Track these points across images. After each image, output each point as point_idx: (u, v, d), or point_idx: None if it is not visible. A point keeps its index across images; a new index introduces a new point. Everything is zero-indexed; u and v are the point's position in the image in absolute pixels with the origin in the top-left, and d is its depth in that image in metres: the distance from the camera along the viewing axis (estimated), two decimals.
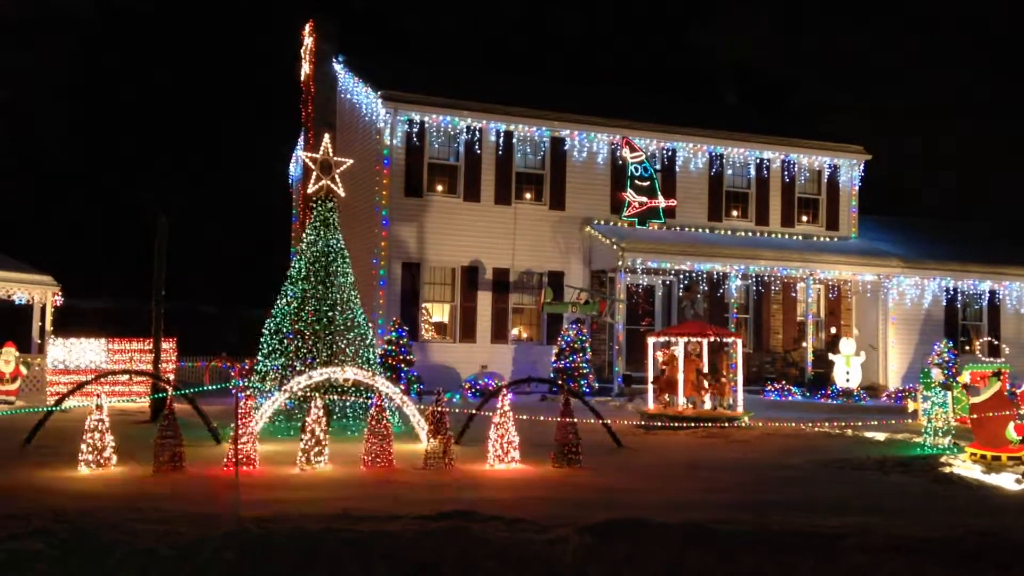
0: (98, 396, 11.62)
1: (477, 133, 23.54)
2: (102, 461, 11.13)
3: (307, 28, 24.73)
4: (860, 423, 16.64)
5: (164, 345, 18.50)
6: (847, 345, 23.49)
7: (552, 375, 21.39)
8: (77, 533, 7.24)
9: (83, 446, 11.11)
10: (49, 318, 22.17)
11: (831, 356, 23.74)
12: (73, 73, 42.29)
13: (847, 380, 22.97)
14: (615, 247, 22.77)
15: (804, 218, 27.06)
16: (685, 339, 17.45)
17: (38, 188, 36.71)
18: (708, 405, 17.43)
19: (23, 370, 20.28)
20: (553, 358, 22.06)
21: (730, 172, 26.20)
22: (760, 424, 16.57)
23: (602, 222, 24.37)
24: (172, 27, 40.02)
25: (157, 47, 39.43)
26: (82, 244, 35.87)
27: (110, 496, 9.54)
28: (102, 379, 15.57)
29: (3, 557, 6.53)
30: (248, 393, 12.45)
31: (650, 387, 17.62)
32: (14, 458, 12.00)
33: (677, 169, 25.48)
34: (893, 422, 17.05)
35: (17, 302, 22.08)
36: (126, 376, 19.01)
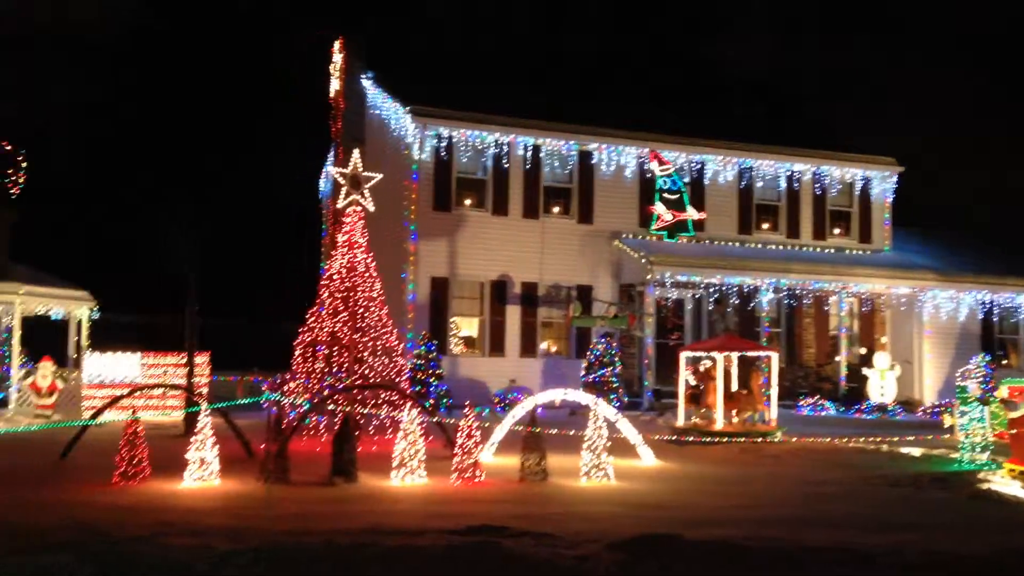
0: (133, 410, 11.75)
1: (505, 147, 23.59)
2: (137, 474, 11.23)
3: (336, 45, 24.98)
4: (895, 438, 16.41)
5: (197, 359, 18.68)
6: (881, 359, 23.19)
7: (581, 389, 21.30)
8: (110, 547, 7.31)
9: (118, 460, 11.23)
10: (85, 333, 22.45)
11: (865, 370, 23.43)
12: (102, 90, 43.05)
13: (882, 395, 22.66)
14: (644, 261, 22.69)
15: (836, 231, 26.81)
16: (718, 353, 17.30)
17: (73, 204, 37.29)
18: (737, 420, 17.26)
19: (59, 384, 20.56)
20: (582, 372, 21.97)
21: (760, 185, 26.04)
22: (793, 439, 16.39)
23: (630, 236, 24.30)
24: (196, 43, 40.62)
25: (182, 63, 40.03)
26: (118, 259, 36.34)
27: (143, 509, 9.62)
28: (137, 393, 15.74)
29: (36, 571, 6.60)
30: (279, 407, 12.52)
31: (681, 401, 17.49)
32: (50, 471, 12.15)
33: (706, 182, 25.36)
34: (929, 437, 16.79)
35: (54, 317, 22.39)
36: (160, 390, 19.20)
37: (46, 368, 20.26)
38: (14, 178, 20.72)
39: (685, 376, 17.59)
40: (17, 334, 20.75)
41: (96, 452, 12.95)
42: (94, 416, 14.33)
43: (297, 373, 15.85)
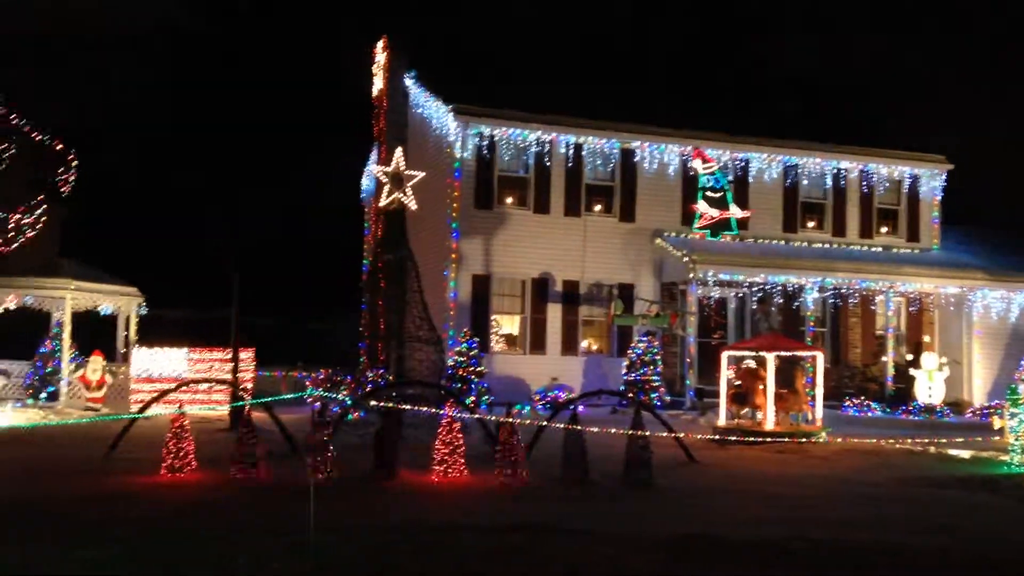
0: (179, 404, 11.95)
1: (547, 145, 23.58)
2: (183, 468, 11.42)
3: (379, 44, 25.13)
4: (943, 440, 16.13)
5: (243, 355, 18.92)
6: (929, 360, 22.78)
7: (623, 388, 21.24)
8: (157, 539, 7.45)
9: (165, 453, 11.43)
10: (133, 328, 22.88)
11: (912, 371, 23.03)
12: (152, 90, 43.73)
13: (929, 396, 22.26)
14: (686, 259, 22.54)
15: (883, 229, 26.40)
16: (761, 353, 17.13)
17: (122, 200, 37.97)
18: (773, 420, 17.08)
19: (109, 378, 20.98)
20: (624, 371, 21.90)
21: (805, 183, 25.72)
22: (838, 440, 16.19)
23: (673, 234, 24.15)
24: (243, 43, 41.13)
25: (227, 63, 40.55)
26: (167, 255, 36.97)
27: (190, 502, 9.79)
28: (183, 387, 15.98)
29: (84, 564, 6.74)
30: (323, 402, 12.65)
31: (723, 401, 17.33)
32: (99, 464, 12.40)
33: (750, 180, 25.12)
34: (978, 439, 16.48)
35: (103, 312, 22.84)
36: (206, 385, 19.50)
37: (96, 362, 20.68)
38: (65, 176, 21.16)
39: (728, 375, 17.42)
40: (67, 329, 21.20)
41: (144, 445, 13.19)
42: (142, 410, 14.60)
43: (340, 369, 16.01)
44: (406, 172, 16.53)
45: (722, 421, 17.20)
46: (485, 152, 23.16)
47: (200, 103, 41.23)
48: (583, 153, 23.86)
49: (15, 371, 21.46)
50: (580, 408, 12.42)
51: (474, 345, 21.10)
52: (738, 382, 17.28)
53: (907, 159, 26.42)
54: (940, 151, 26.83)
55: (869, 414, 21.67)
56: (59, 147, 20.54)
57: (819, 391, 17.32)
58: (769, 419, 16.62)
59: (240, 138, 39.44)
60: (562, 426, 12.12)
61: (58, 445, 14.39)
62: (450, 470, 11.60)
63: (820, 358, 17.54)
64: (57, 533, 7.89)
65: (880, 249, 25.87)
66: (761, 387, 16.85)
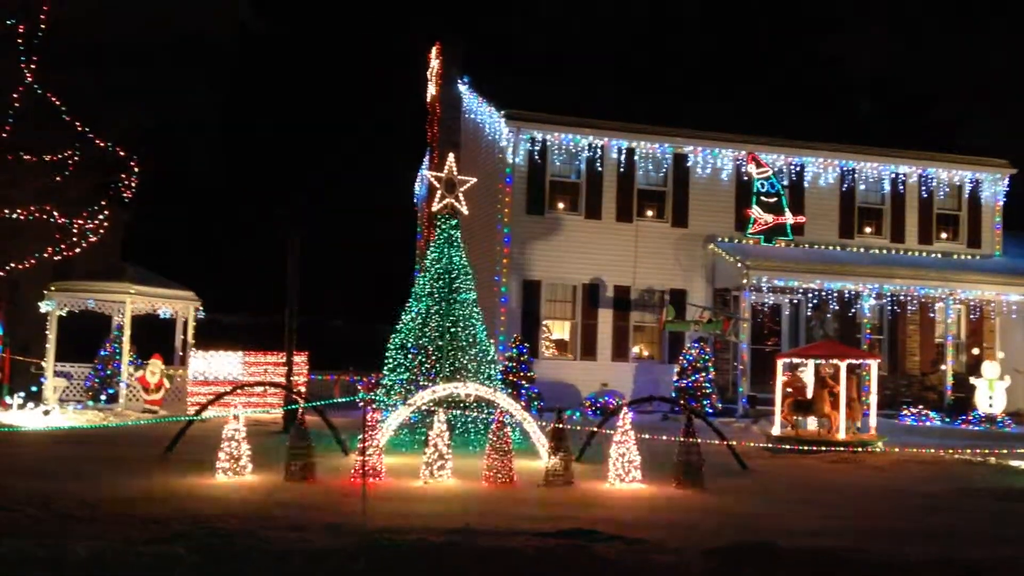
0: (235, 407, 12.15)
1: (599, 150, 23.53)
2: (238, 469, 11.61)
3: (433, 51, 25.33)
4: (1004, 451, 15.72)
5: (296, 359, 19.19)
6: (990, 368, 22.24)
7: (674, 394, 21.08)
8: (215, 538, 7.58)
9: (220, 454, 11.63)
10: (191, 332, 23.32)
11: (972, 380, 22.51)
12: (205, 95, 44.51)
13: (990, 405, 21.74)
14: (739, 265, 22.30)
15: (943, 235, 25.84)
16: (816, 360, 16.87)
17: (181, 206, 38.75)
18: (826, 427, 16.81)
19: (166, 382, 21.41)
20: (675, 377, 21.75)
21: (863, 187, 25.30)
22: (895, 449, 15.87)
23: (726, 239, 23.92)
24: (296, 50, 41.67)
25: (290, 70, 41.12)
26: (223, 260, 37.62)
27: (245, 503, 9.95)
28: (239, 391, 16.26)
29: (148, 560, 6.89)
30: (374, 407, 12.77)
31: (778, 408, 17.09)
32: (157, 465, 12.66)
33: (806, 185, 24.78)
34: None
35: (162, 316, 23.33)
36: (261, 388, 19.79)
37: (155, 365, 21.13)
38: (127, 182, 21.67)
39: (789, 382, 17.10)
40: (127, 332, 21.69)
41: (200, 447, 13.43)
42: (198, 412, 14.88)
43: (390, 373, 16.12)
44: (458, 177, 16.61)
45: (776, 430, 16.97)
46: (537, 157, 23.19)
47: (255, 108, 41.92)
48: (635, 158, 23.76)
49: (76, 373, 22.02)
50: (631, 414, 12.34)
51: (524, 350, 21.14)
52: (790, 389, 16.97)
53: (969, 163, 25.85)
54: (1004, 155, 26.20)
55: (927, 423, 21.22)
56: (122, 152, 21.05)
57: (873, 399, 17.01)
58: (842, 428, 16.29)
59: (299, 143, 40.02)
60: (612, 432, 12.06)
61: (117, 446, 14.72)
62: (500, 475, 11.64)
63: (875, 365, 17.21)
64: (122, 528, 8.09)
65: (939, 255, 25.33)
66: (829, 396, 16.58)
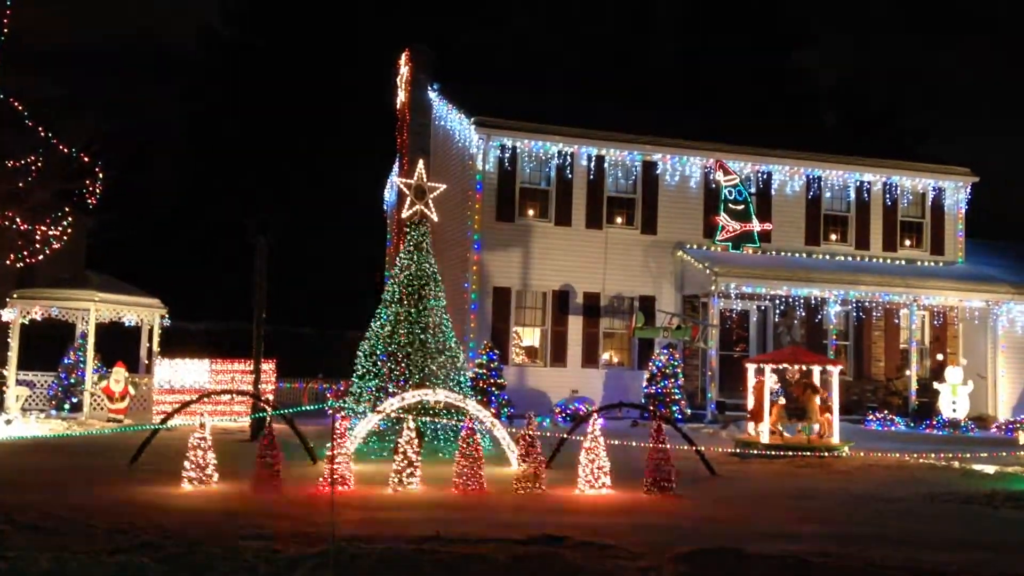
0: (201, 415, 12.01)
1: (568, 158, 23.61)
2: (204, 478, 11.48)
3: (403, 57, 25.28)
4: (968, 455, 15.94)
5: (264, 366, 19.01)
6: (954, 374, 22.57)
7: (643, 401, 21.17)
8: (182, 548, 7.49)
9: (187, 463, 11.49)
10: (156, 339, 23.04)
11: (936, 385, 22.84)
12: (170, 101, 44.17)
13: (954, 410, 22.06)
14: (708, 271, 22.46)
15: (907, 242, 26.21)
16: (783, 366, 17.07)
17: (147, 213, 38.30)
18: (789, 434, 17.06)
19: (131, 390, 21.13)
20: (644, 383, 21.83)
21: (828, 195, 25.60)
22: (861, 454, 16.04)
23: (695, 246, 24.08)
24: (266, 57, 41.32)
25: (255, 77, 40.73)
26: (188, 267, 37.18)
27: (212, 512, 9.84)
28: (205, 399, 16.07)
29: (113, 570, 6.79)
30: (343, 414, 12.69)
31: (766, 415, 17.16)
32: (122, 474, 12.49)
33: (773, 192, 25.03)
34: (1004, 454, 16.29)
35: (126, 324, 23.01)
36: (228, 396, 19.59)
37: (119, 373, 20.84)
38: (91, 188, 21.40)
39: (772, 387, 17.30)
40: (91, 340, 21.39)
41: (166, 456, 13.27)
42: (164, 421, 14.70)
43: (360, 380, 16.04)
44: (429, 184, 16.59)
45: (746, 434, 17.09)
46: (507, 164, 23.21)
47: (222, 113, 41.52)
48: (605, 165, 23.86)
49: (39, 382, 21.67)
50: (600, 421, 12.37)
51: (494, 357, 21.13)
52: (776, 388, 17.28)
53: (931, 172, 26.24)
54: (965, 163, 26.63)
55: (892, 428, 21.49)
56: (86, 160, 20.79)
57: (835, 404, 17.20)
58: (836, 433, 16.53)
59: (265, 148, 39.69)
60: (582, 438, 12.09)
61: (81, 455, 14.49)
62: (470, 482, 11.61)
63: (836, 372, 17.36)
64: (86, 539, 7.96)
65: (904, 262, 25.68)
66: (818, 401, 16.81)
